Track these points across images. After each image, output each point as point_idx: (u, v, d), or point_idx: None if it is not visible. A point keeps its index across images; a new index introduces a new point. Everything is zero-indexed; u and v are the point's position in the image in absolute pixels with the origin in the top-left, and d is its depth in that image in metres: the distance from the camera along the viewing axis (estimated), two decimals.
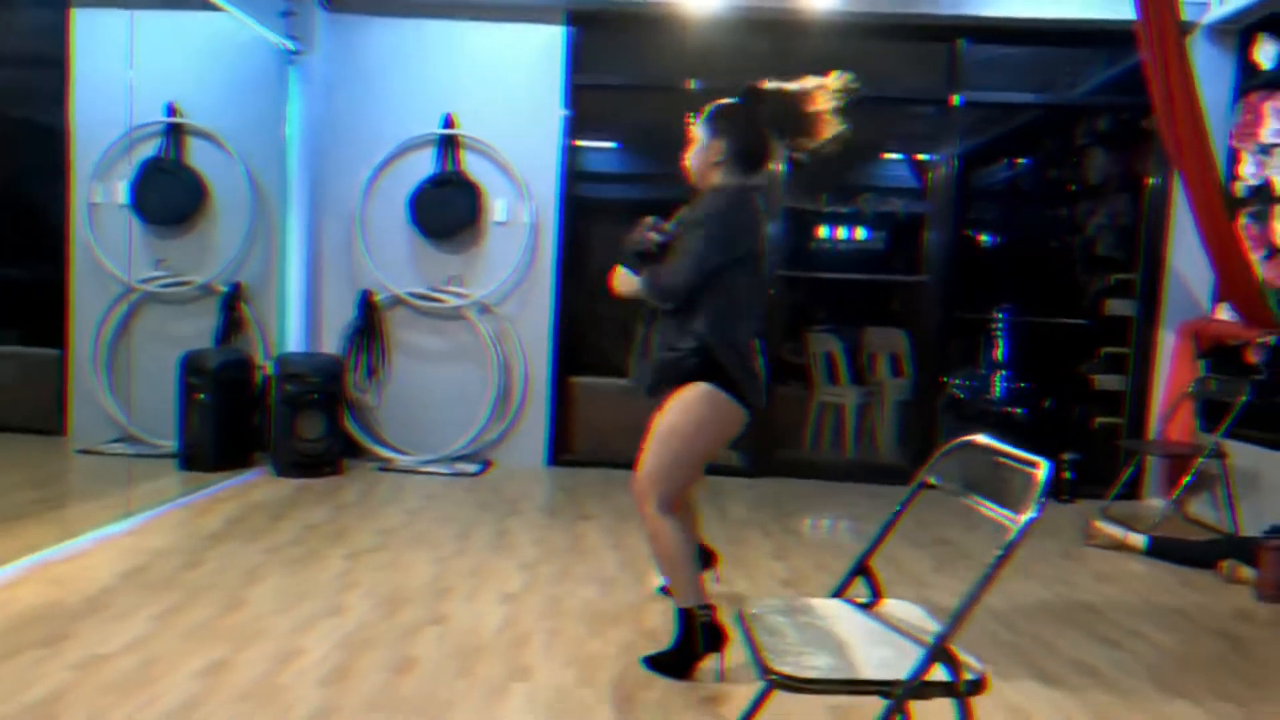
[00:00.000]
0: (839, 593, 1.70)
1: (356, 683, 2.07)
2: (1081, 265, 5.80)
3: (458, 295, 4.69)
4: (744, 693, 2.14)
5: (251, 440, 4.45)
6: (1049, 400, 5.96)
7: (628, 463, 4.80)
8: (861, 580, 1.69)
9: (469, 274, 4.72)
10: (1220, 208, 3.71)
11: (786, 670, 1.35)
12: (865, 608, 1.64)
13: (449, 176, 4.64)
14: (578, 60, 4.65)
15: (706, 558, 2.74)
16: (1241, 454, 3.97)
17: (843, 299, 7.26)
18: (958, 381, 6.52)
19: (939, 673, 1.33)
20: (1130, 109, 4.91)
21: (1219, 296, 4.38)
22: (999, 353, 6.96)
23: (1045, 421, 5.68)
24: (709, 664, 2.21)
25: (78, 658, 2.14)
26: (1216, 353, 4.32)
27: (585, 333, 5.38)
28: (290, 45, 4.45)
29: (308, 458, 4.23)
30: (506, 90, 4.64)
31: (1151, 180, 4.65)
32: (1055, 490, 4.71)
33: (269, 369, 4.52)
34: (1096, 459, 4.79)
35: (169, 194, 4.64)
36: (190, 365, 4.23)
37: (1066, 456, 4.73)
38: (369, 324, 4.68)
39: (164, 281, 4.66)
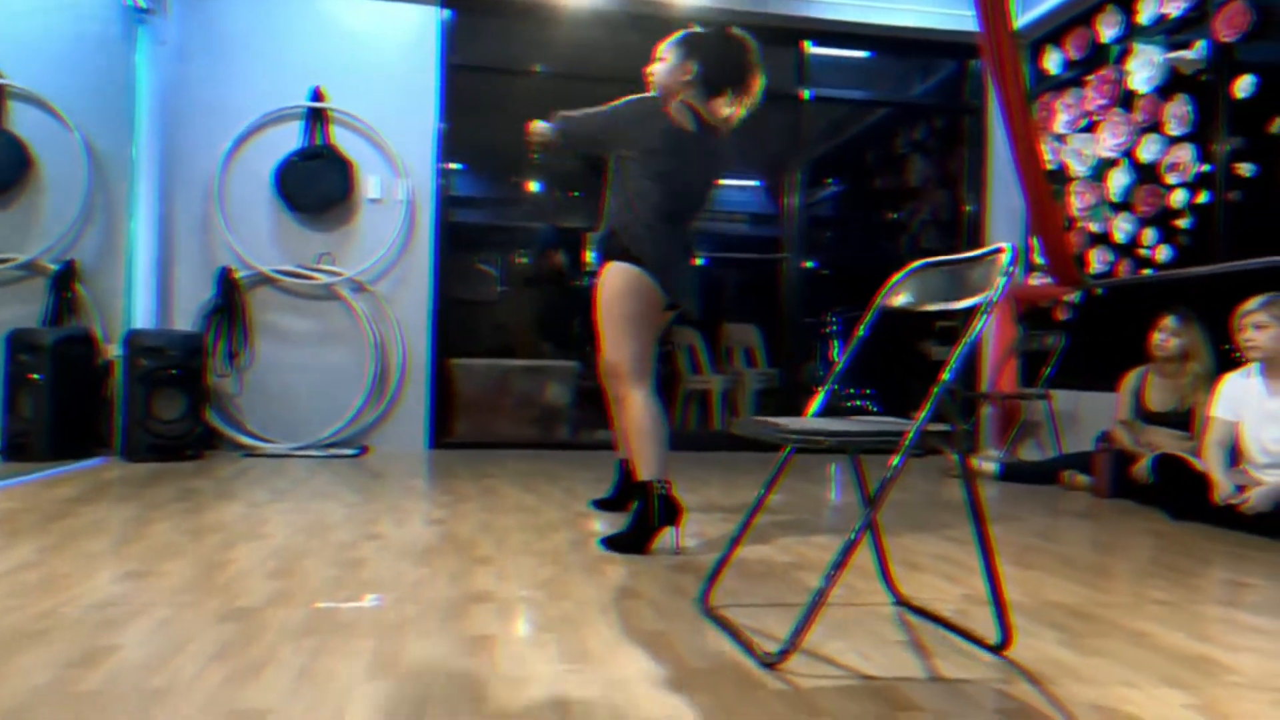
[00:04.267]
0: (818, 414, 1.83)
1: (307, 577, 1.93)
2: (910, 258, 6.46)
3: (330, 273, 4.50)
4: (711, 560, 2.21)
5: (91, 429, 3.99)
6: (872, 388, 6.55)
7: (511, 444, 4.81)
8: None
9: (341, 251, 4.54)
10: (1046, 186, 4.30)
11: (798, 428, 1.45)
12: (847, 418, 1.78)
13: (319, 150, 4.48)
14: (454, 41, 4.68)
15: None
16: (1061, 397, 4.57)
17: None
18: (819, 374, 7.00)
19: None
20: (948, 112, 5.61)
21: (1030, 266, 5.06)
22: (839, 348, 7.55)
23: (895, 392, 6.22)
24: (666, 538, 2.27)
25: None
26: (1032, 314, 4.96)
27: (465, 313, 5.30)
28: (140, 3, 4.17)
29: (166, 440, 3.85)
30: (381, 66, 4.58)
31: (969, 173, 5.32)
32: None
33: (112, 352, 4.10)
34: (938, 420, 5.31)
35: None
36: (20, 342, 3.76)
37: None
38: (229, 303, 4.37)
39: None
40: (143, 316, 4.22)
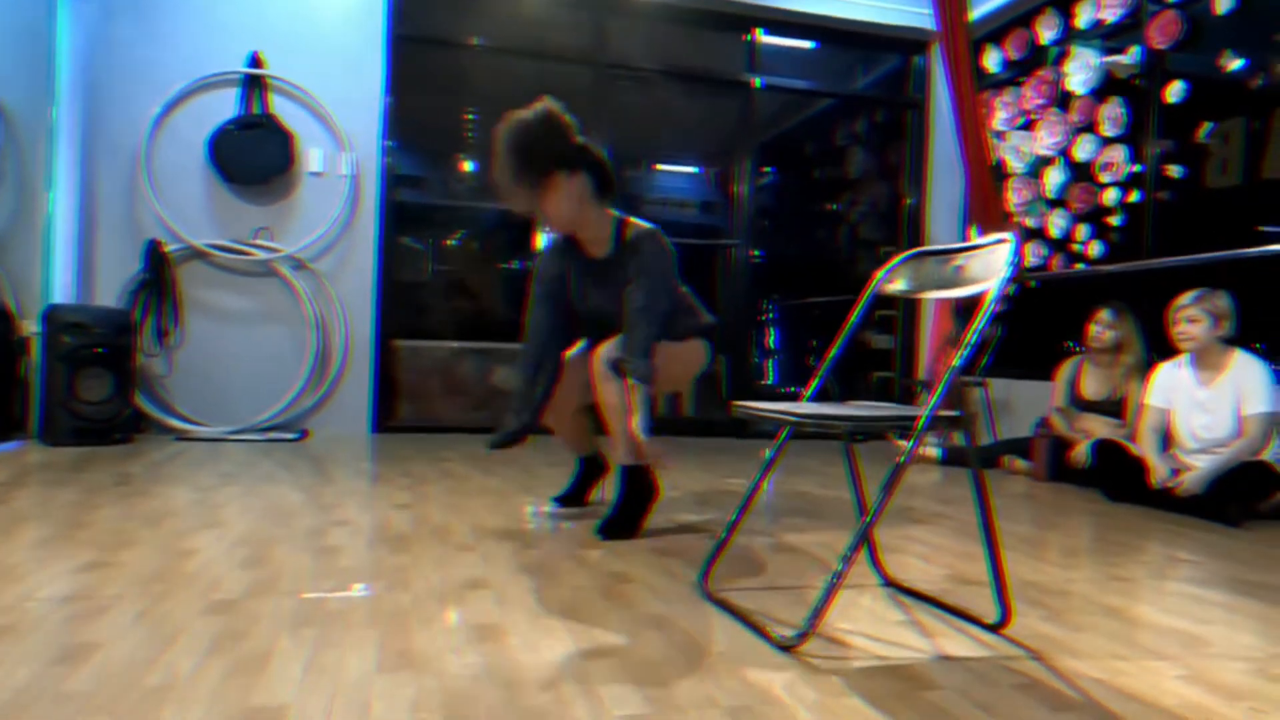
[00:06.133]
0: (812, 399, 1.84)
1: (282, 566, 1.84)
2: (848, 248, 6.61)
3: (268, 249, 4.29)
4: (691, 544, 2.21)
5: (4, 411, 3.72)
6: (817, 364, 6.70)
7: (458, 428, 4.70)
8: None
9: (280, 226, 4.34)
10: (989, 179, 4.44)
11: (810, 411, 1.46)
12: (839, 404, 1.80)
13: (257, 119, 4.26)
14: (402, 10, 4.52)
15: (601, 467, 2.73)
16: (996, 385, 4.75)
17: None
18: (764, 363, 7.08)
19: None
20: (892, 105, 5.74)
21: None
22: (776, 336, 7.67)
23: (837, 381, 6.34)
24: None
25: None
26: (968, 305, 5.13)
27: (411, 292, 5.15)
28: None
29: (92, 423, 3.62)
30: (324, 33, 4.38)
31: (911, 166, 5.46)
32: (850, 434, 5.28)
33: (29, 329, 3.82)
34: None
35: None
36: None
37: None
38: (158, 278, 4.13)
39: None
40: (62, 291, 3.94)
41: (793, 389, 7.76)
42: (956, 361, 1.52)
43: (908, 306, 5.48)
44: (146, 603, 1.54)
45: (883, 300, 6.03)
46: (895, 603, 1.74)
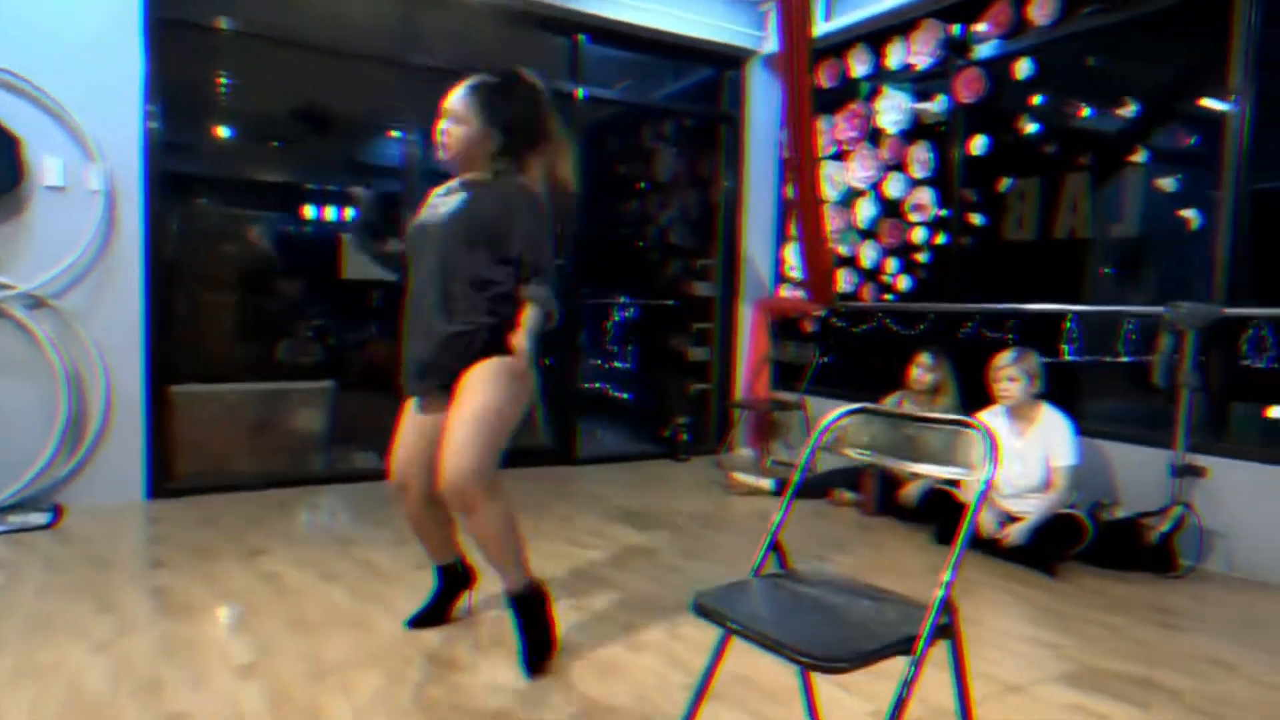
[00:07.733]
0: (757, 571, 1.73)
1: None
2: (658, 252, 6.57)
3: None
4: (603, 683, 2.04)
5: None
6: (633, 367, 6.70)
7: (251, 484, 4.08)
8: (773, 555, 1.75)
9: (7, 256, 3.46)
10: (815, 203, 4.49)
11: (816, 653, 1.34)
12: (790, 578, 1.70)
13: None
14: None
15: (467, 577, 2.50)
16: (815, 405, 4.98)
17: None
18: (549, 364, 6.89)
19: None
20: (702, 116, 5.71)
21: (781, 278, 5.41)
22: (600, 334, 7.53)
23: (653, 392, 6.35)
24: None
25: None
26: (782, 324, 5.31)
27: (189, 330, 4.35)
28: None
29: None
30: (57, 16, 3.48)
31: (725, 181, 5.49)
32: (673, 452, 5.31)
33: None
34: (696, 420, 5.56)
35: None
36: None
37: (681, 421, 5.39)
38: None
39: None
40: None
41: (597, 385, 7.72)
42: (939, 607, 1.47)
43: (724, 318, 5.56)
44: None
45: (698, 309, 5.97)
46: None
